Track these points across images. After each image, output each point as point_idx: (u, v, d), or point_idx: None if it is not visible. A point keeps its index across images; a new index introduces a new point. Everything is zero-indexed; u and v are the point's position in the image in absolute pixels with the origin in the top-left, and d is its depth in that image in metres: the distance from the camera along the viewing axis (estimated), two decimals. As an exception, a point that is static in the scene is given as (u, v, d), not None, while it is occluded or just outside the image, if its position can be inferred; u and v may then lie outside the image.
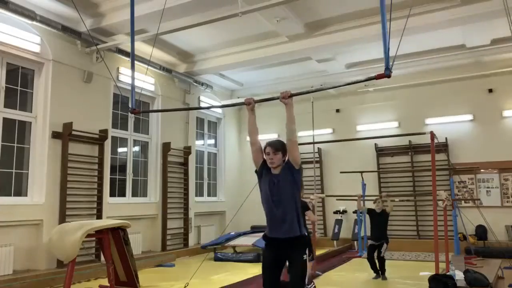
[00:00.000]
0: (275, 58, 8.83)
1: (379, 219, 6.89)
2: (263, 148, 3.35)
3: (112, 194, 7.98)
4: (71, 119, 6.97)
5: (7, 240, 6.06)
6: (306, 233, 3.34)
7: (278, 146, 3.28)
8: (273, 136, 10.42)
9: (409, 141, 9.93)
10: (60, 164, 6.85)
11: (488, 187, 9.33)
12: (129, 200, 8.50)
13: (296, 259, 3.21)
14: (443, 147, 9.13)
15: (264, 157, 3.34)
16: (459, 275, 5.50)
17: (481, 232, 8.71)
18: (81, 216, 6.96)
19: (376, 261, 6.59)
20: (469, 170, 9.24)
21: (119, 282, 5.32)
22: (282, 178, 3.25)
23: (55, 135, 6.82)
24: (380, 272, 6.61)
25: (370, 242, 7.08)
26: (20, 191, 6.61)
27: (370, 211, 7.25)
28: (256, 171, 3.41)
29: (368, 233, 9.22)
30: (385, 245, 6.68)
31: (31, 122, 6.78)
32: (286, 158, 3.29)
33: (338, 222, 10.00)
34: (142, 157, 9.09)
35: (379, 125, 10.37)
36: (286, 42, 8.25)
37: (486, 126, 9.45)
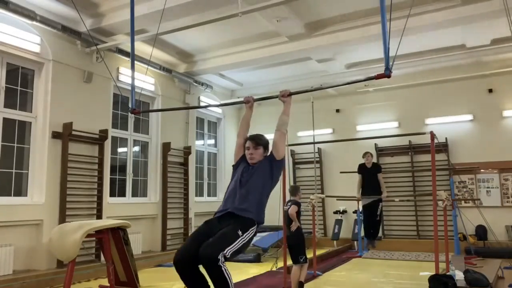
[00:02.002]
0: (275, 58, 8.83)
1: (371, 174, 6.92)
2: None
3: (112, 194, 7.98)
4: (71, 119, 6.97)
5: (7, 240, 6.06)
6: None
7: (259, 141, 3.16)
8: (272, 136, 10.42)
9: (409, 141, 9.94)
10: (60, 164, 6.85)
11: (488, 187, 9.33)
12: (129, 200, 8.50)
13: (230, 227, 2.82)
14: (443, 147, 9.14)
15: (245, 152, 3.20)
16: (459, 275, 5.50)
17: (481, 232, 8.71)
18: (81, 216, 6.96)
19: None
20: (469, 170, 9.24)
21: (119, 282, 5.32)
22: (257, 167, 3.09)
23: (55, 135, 6.82)
24: (371, 236, 6.61)
25: (363, 201, 7.14)
26: (20, 191, 6.60)
27: (360, 167, 7.30)
28: (233, 166, 3.29)
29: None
30: (380, 205, 6.67)
31: (31, 122, 6.78)
32: (268, 154, 3.15)
33: (338, 222, 10.01)
34: (142, 157, 9.09)
35: (379, 125, 10.37)
36: (286, 42, 8.25)
37: (486, 126, 9.45)
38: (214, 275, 2.62)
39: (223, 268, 2.61)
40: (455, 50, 8.75)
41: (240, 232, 2.77)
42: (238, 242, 2.76)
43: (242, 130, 3.41)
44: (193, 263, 2.72)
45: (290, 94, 3.25)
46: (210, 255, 2.58)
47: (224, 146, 11.56)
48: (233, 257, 2.76)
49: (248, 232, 2.87)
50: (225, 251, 2.65)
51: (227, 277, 2.63)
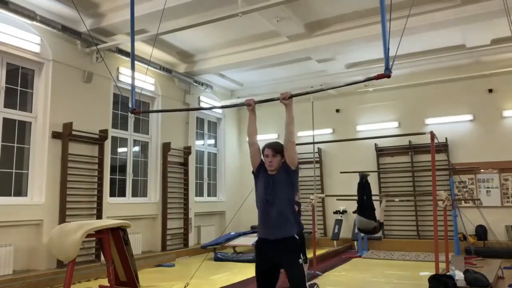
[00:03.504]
0: (275, 58, 8.83)
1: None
2: (261, 149, 3.35)
3: (112, 194, 7.98)
4: (71, 119, 6.97)
5: (7, 240, 6.06)
6: (298, 235, 3.24)
7: (277, 149, 3.27)
8: (272, 137, 10.44)
9: (409, 141, 9.93)
10: (60, 164, 6.85)
11: (488, 187, 9.33)
12: (129, 200, 8.50)
13: (292, 264, 3.11)
14: (443, 147, 9.13)
15: (263, 159, 3.33)
16: (459, 275, 5.50)
17: (481, 232, 8.71)
18: (81, 216, 6.96)
19: None
20: (469, 170, 9.23)
21: (119, 282, 5.32)
22: (277, 178, 3.25)
23: (55, 135, 6.82)
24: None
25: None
26: (20, 191, 6.61)
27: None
28: (252, 172, 3.41)
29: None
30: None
31: (31, 122, 6.78)
32: (284, 160, 3.27)
33: (338, 222, 10.00)
34: (142, 157, 9.09)
35: (379, 125, 10.37)
36: (286, 42, 8.25)
37: (486, 126, 9.45)
38: None
39: None
40: (455, 50, 8.75)
41: (300, 260, 3.13)
42: (303, 266, 3.19)
43: (252, 139, 3.41)
44: None
45: (291, 96, 3.23)
46: None
47: (224, 146, 11.56)
48: None
49: (302, 252, 3.27)
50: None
51: None
